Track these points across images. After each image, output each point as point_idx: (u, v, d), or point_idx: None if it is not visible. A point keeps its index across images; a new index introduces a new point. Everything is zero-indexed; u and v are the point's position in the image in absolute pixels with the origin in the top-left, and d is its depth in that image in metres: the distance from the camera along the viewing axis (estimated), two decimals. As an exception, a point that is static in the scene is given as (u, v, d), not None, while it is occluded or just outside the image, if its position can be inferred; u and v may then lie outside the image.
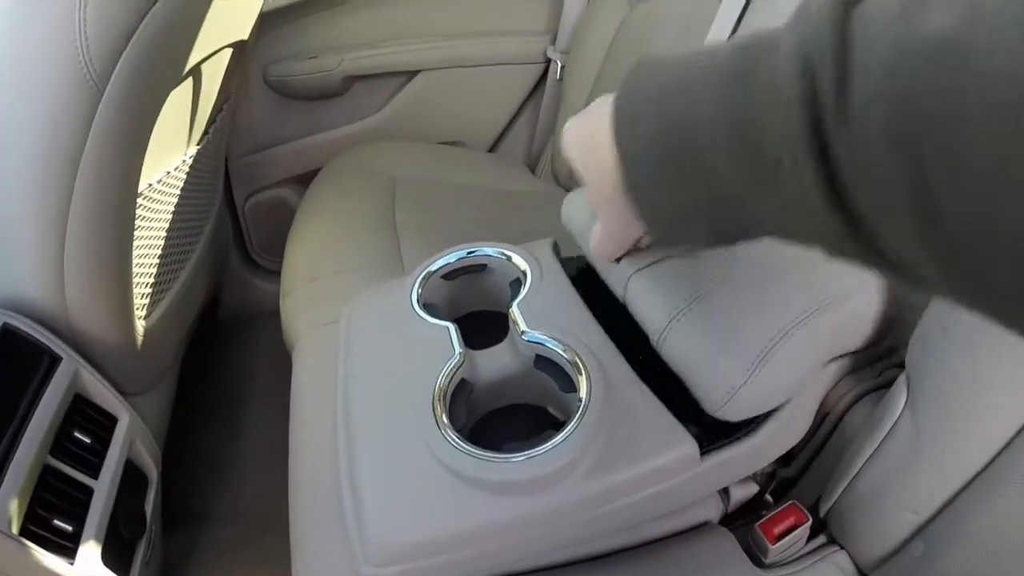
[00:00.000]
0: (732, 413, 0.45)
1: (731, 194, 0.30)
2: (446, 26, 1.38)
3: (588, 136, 0.39)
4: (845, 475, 0.67)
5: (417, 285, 0.58)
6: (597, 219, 0.44)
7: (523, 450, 0.43)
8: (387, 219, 1.00)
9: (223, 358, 1.34)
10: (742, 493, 0.66)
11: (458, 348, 0.51)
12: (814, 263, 0.52)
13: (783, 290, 0.47)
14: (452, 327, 0.53)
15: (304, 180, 1.28)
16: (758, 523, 0.66)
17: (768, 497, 0.71)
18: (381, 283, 0.66)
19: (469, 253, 0.60)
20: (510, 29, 1.42)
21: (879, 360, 0.69)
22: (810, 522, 0.65)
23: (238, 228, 1.42)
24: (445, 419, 0.46)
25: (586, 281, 0.55)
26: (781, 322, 0.45)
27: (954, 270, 0.22)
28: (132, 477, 0.82)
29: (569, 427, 0.44)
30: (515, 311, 0.53)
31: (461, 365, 0.50)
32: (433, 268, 0.59)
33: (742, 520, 0.69)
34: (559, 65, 1.38)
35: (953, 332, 0.52)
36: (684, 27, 1.02)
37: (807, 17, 0.25)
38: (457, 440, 0.44)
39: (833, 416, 0.66)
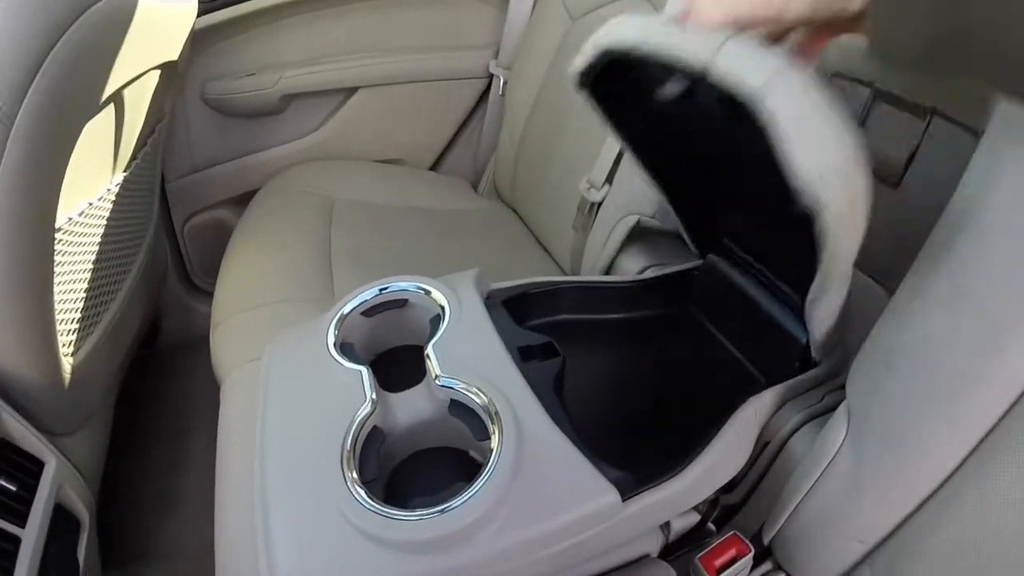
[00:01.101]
0: None
1: None
2: (387, 42, 1.35)
3: None
4: (788, 504, 0.66)
5: (332, 327, 0.56)
6: None
7: (433, 504, 0.41)
8: (322, 245, 0.97)
9: (163, 387, 1.31)
10: (683, 523, 0.65)
11: (370, 394, 0.49)
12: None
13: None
14: (365, 372, 0.51)
15: (244, 201, 1.26)
16: (698, 555, 0.64)
17: (711, 525, 0.70)
18: (305, 320, 0.64)
19: (382, 290, 0.58)
20: (452, 44, 1.40)
21: (820, 384, 0.69)
22: (752, 553, 0.64)
23: (177, 251, 1.38)
24: (353, 474, 0.44)
25: (512, 312, 0.54)
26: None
27: None
28: (62, 522, 0.79)
29: (480, 480, 0.42)
30: (430, 353, 0.51)
31: (372, 413, 0.48)
32: (347, 309, 0.57)
33: (684, 550, 0.68)
34: (502, 80, 1.37)
35: (897, 368, 0.51)
36: None
37: None
38: (364, 498, 0.42)
39: (775, 443, 0.65)
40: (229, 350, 0.80)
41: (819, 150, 0.39)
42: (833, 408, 0.60)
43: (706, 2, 0.40)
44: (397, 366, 0.59)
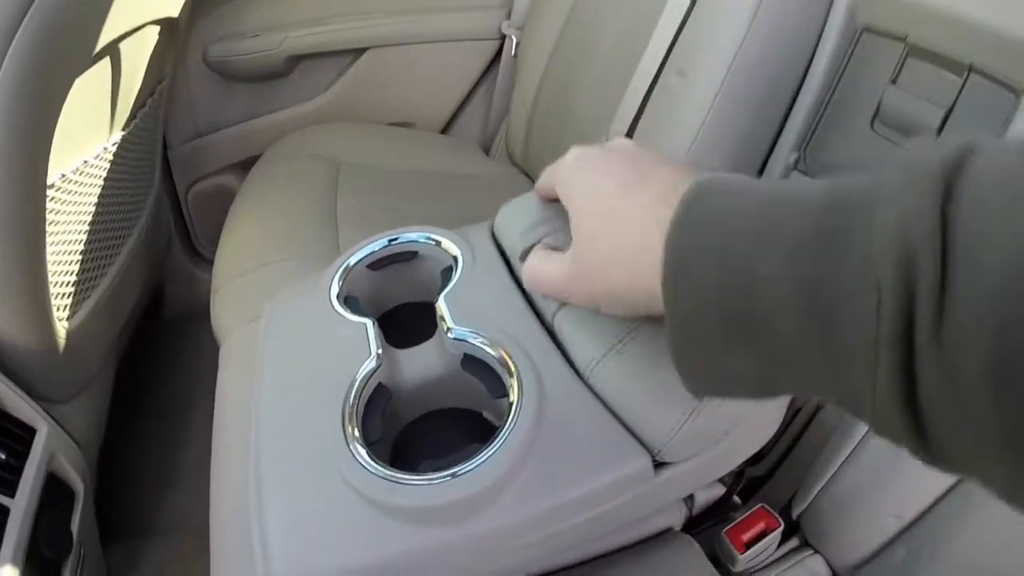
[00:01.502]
0: (676, 453, 0.40)
1: (791, 370, 0.26)
2: (395, 1, 1.30)
3: (615, 216, 0.34)
4: (821, 476, 0.63)
5: (337, 278, 0.51)
6: (563, 259, 0.39)
7: (444, 468, 0.37)
8: (327, 206, 0.93)
9: (167, 358, 1.28)
10: (707, 496, 0.61)
11: (375, 349, 0.44)
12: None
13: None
14: (370, 324, 0.47)
15: (249, 166, 1.21)
16: (725, 529, 0.61)
17: (736, 498, 0.66)
18: (308, 276, 0.60)
19: (391, 241, 0.54)
20: (463, 3, 1.35)
21: None
22: (781, 527, 0.61)
23: (181, 219, 1.35)
24: (356, 433, 0.40)
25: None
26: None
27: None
28: (55, 492, 0.76)
29: (496, 440, 0.38)
30: (441, 304, 0.47)
31: (377, 369, 0.44)
32: (354, 260, 0.52)
33: (708, 523, 0.64)
34: (514, 41, 1.32)
35: None
36: (639, 2, 0.96)
37: (909, 181, 0.21)
38: (366, 459, 0.38)
39: (805, 412, 0.61)
40: (228, 313, 0.77)
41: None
42: None
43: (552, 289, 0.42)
44: (405, 323, 0.55)
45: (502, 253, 0.51)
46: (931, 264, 0.19)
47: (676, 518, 0.58)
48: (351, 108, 1.34)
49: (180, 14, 1.03)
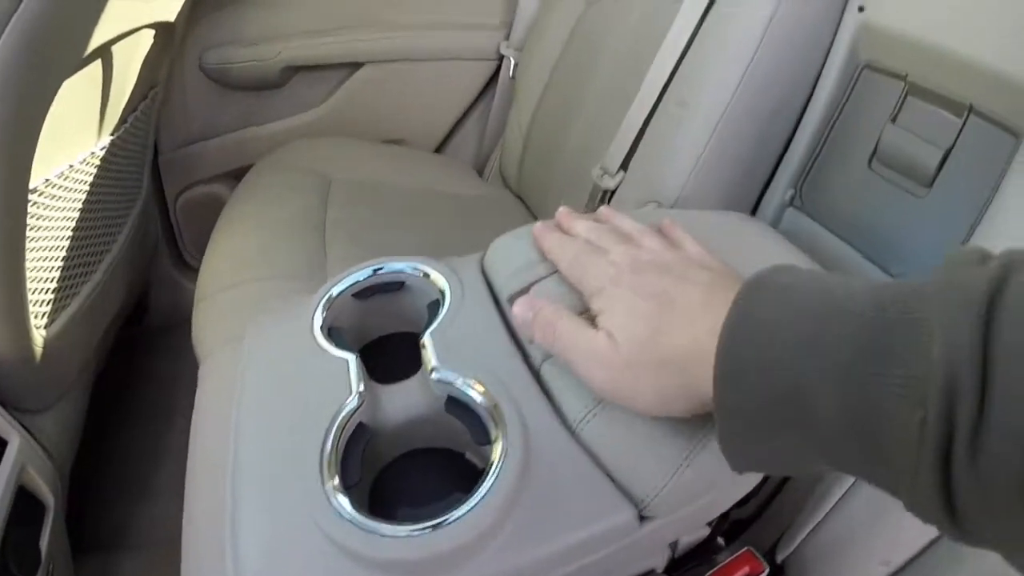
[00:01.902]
0: (662, 507, 0.39)
1: (831, 457, 0.28)
2: (394, 17, 1.30)
3: (658, 319, 0.36)
4: (809, 519, 0.62)
5: (320, 308, 0.50)
6: (602, 342, 0.38)
7: (424, 518, 0.36)
8: (317, 222, 0.92)
9: (149, 368, 1.25)
10: (691, 537, 0.60)
11: (356, 387, 0.43)
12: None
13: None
14: (352, 360, 0.45)
15: (240, 176, 1.18)
16: (709, 572, 0.60)
17: (720, 540, 0.65)
18: (294, 297, 0.59)
19: (376, 271, 0.52)
20: (462, 22, 1.34)
21: None
22: (767, 572, 0.60)
23: (168, 227, 1.33)
24: (334, 481, 0.38)
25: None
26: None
27: None
28: (25, 506, 0.74)
29: (480, 491, 0.36)
30: (427, 342, 0.45)
31: (358, 408, 0.42)
32: (337, 289, 0.51)
33: (691, 565, 0.63)
34: (512, 62, 1.31)
35: None
36: (642, 26, 0.96)
37: (953, 306, 0.23)
38: (344, 507, 0.37)
39: None
40: (210, 328, 0.75)
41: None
42: None
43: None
44: (390, 355, 0.53)
45: (491, 290, 0.50)
46: (971, 393, 0.21)
47: (659, 560, 0.56)
48: (346, 122, 1.32)
49: (177, 19, 1.02)
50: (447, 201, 1.14)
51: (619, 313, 0.38)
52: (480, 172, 1.41)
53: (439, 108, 1.40)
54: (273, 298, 0.75)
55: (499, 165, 1.32)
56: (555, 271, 0.48)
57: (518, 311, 0.43)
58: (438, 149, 1.45)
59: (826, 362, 0.26)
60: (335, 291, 0.51)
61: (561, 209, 0.52)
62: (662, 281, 0.38)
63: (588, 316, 0.41)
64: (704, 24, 0.82)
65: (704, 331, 0.33)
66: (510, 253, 0.51)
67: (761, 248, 0.64)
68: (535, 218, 1.18)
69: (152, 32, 0.97)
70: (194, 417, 0.65)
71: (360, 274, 0.52)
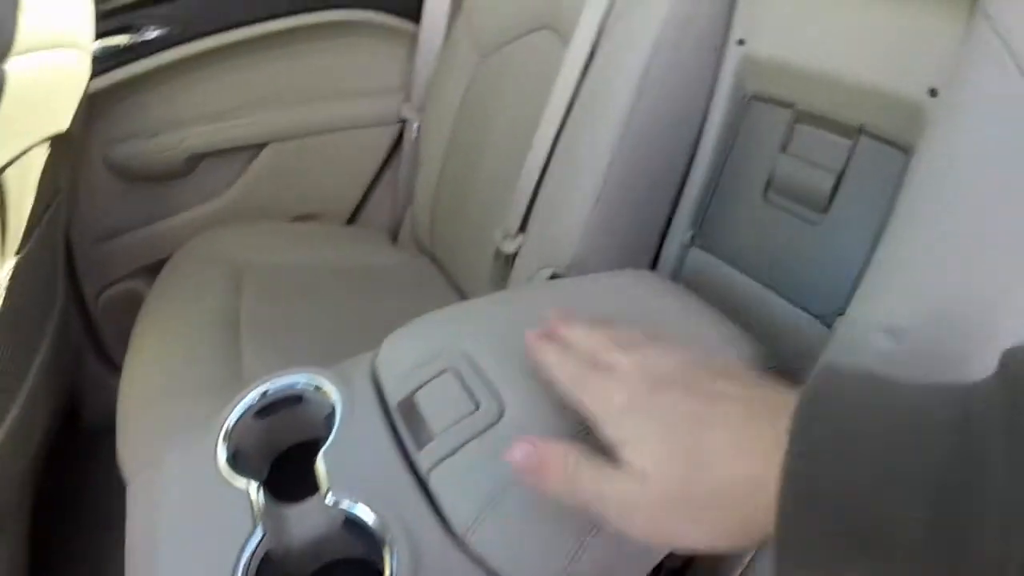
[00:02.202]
0: None
1: None
2: (295, 92, 1.31)
3: (699, 447, 0.32)
4: (737, 565, 0.63)
5: (221, 440, 0.51)
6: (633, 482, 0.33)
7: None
8: (231, 320, 0.92)
9: (86, 474, 1.23)
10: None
11: (259, 519, 0.44)
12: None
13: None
14: (254, 489, 0.47)
15: (158, 269, 1.18)
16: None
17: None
18: (208, 412, 0.59)
19: (264, 393, 0.53)
20: (362, 89, 1.36)
21: None
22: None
23: (91, 327, 1.31)
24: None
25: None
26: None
27: None
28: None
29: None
30: (319, 464, 0.47)
31: (263, 539, 0.44)
32: (232, 420, 0.52)
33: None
34: (415, 124, 1.33)
35: None
36: (530, 82, 0.99)
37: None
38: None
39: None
40: (132, 452, 0.75)
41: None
42: None
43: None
44: (302, 464, 0.54)
45: (382, 396, 0.51)
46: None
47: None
48: (257, 203, 1.33)
49: (71, 126, 1.02)
50: (361, 275, 1.15)
51: (649, 444, 0.33)
52: (395, 238, 1.42)
53: (348, 178, 1.41)
54: (190, 414, 0.75)
55: (412, 230, 1.33)
56: (444, 371, 0.49)
57: (519, 459, 0.38)
58: (352, 219, 1.46)
59: (910, 489, 0.24)
60: (231, 421, 0.52)
61: (553, 312, 0.47)
62: (689, 401, 0.34)
63: (594, 442, 0.37)
64: (585, 78, 0.84)
65: (756, 457, 0.29)
66: (399, 354, 0.53)
67: (660, 304, 0.65)
68: (450, 282, 1.20)
69: (46, 145, 0.96)
70: (127, 546, 0.65)
71: (251, 397, 0.53)
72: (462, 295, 1.15)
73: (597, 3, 0.84)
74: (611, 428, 0.35)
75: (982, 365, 0.40)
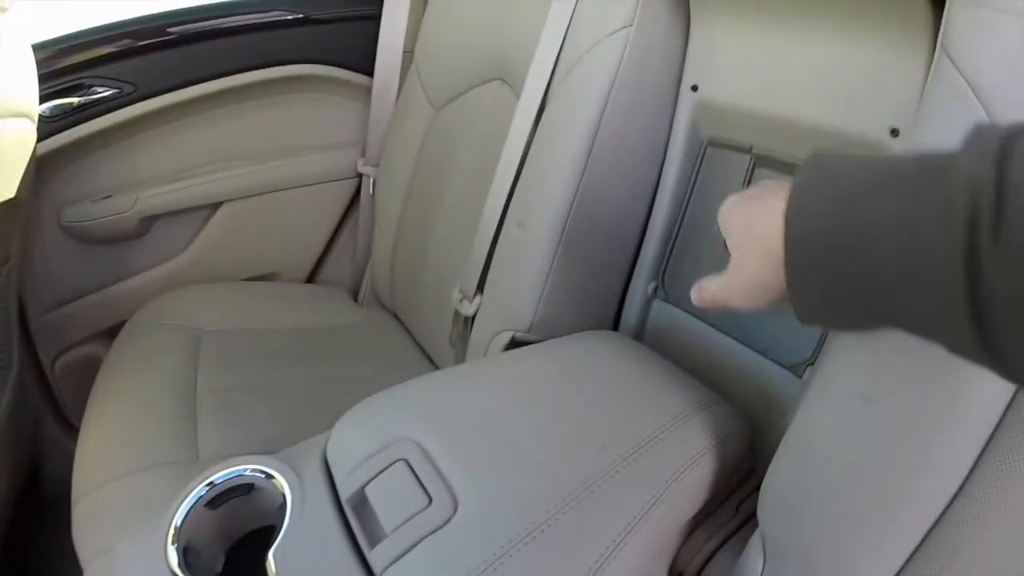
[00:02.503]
0: None
1: (887, 288, 0.33)
2: (249, 149, 1.30)
3: (749, 215, 0.43)
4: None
5: (169, 540, 0.50)
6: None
7: None
8: (187, 390, 0.91)
9: (50, 546, 1.20)
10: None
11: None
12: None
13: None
14: (205, 591, 0.46)
15: (115, 332, 1.16)
16: None
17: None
18: (166, 488, 0.59)
19: (211, 485, 0.53)
20: (318, 144, 1.35)
21: (735, 492, 0.67)
22: None
23: (50, 394, 1.28)
24: None
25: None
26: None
27: None
28: None
29: None
30: (270, 563, 0.46)
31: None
32: (180, 517, 0.51)
33: None
34: (372, 179, 1.33)
35: (811, 493, 0.50)
36: (483, 141, 0.99)
37: (978, 150, 0.29)
38: None
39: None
40: (87, 536, 0.74)
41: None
42: (750, 517, 0.58)
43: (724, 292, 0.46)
44: (258, 554, 0.54)
45: (333, 486, 0.51)
46: (991, 198, 0.27)
47: None
48: (214, 264, 1.31)
49: (19, 193, 1.01)
50: (320, 336, 1.14)
51: (733, 239, 0.44)
52: (355, 295, 1.41)
53: (305, 236, 1.40)
54: (145, 494, 0.74)
55: (372, 286, 1.32)
56: (395, 462, 0.49)
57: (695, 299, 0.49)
58: (311, 277, 1.45)
59: (882, 193, 0.32)
60: (179, 519, 0.51)
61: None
62: (752, 201, 0.43)
63: None
64: (538, 130, 0.83)
65: (780, 213, 0.38)
66: (350, 442, 0.53)
67: (623, 364, 0.66)
68: (412, 339, 1.19)
69: (-8, 212, 0.95)
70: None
71: (199, 491, 0.52)
72: (426, 355, 1.14)
73: (547, 52, 0.84)
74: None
75: (952, 426, 0.42)
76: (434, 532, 0.44)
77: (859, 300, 0.35)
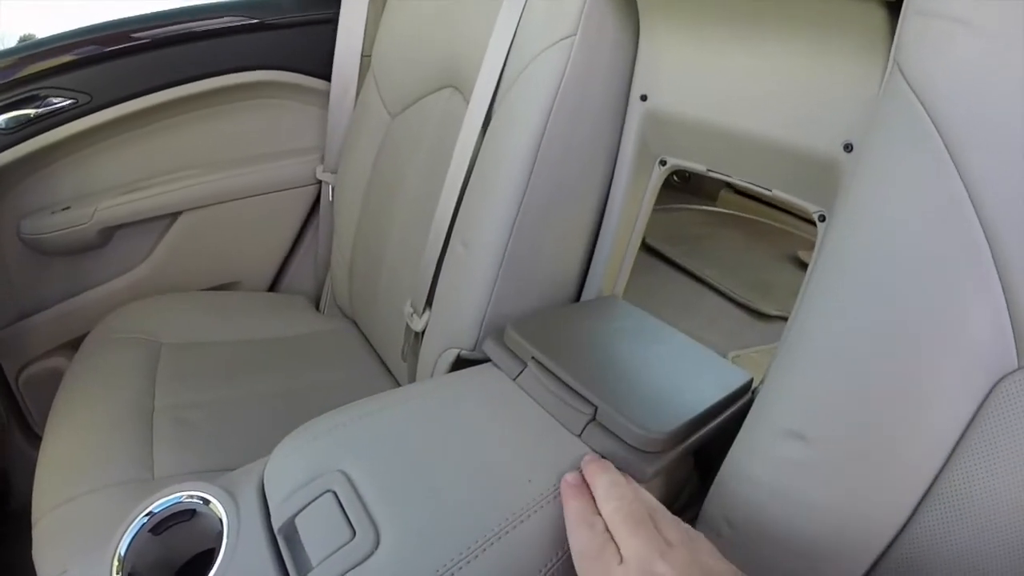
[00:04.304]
0: None
1: None
2: (207, 157, 1.31)
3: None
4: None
5: (114, 569, 0.52)
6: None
7: None
8: (144, 407, 0.92)
9: (20, 561, 1.20)
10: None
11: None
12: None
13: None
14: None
15: (78, 344, 1.17)
16: None
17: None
18: (120, 508, 0.59)
19: (150, 514, 0.54)
20: (276, 151, 1.36)
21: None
22: None
23: (15, 406, 1.29)
24: None
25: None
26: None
27: None
28: None
29: None
30: (204, 592, 0.48)
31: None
32: (124, 547, 0.53)
33: None
34: (330, 186, 1.33)
35: (738, 527, 0.51)
36: (440, 136, 0.99)
37: None
38: None
39: None
40: (45, 557, 0.75)
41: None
42: None
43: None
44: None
45: (268, 516, 0.53)
46: None
47: None
48: (175, 274, 1.32)
49: (-21, 204, 1.01)
50: (279, 347, 1.15)
51: None
52: (317, 303, 1.42)
53: (266, 244, 1.41)
54: (103, 512, 0.75)
55: (332, 294, 1.33)
56: (323, 493, 0.51)
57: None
58: (273, 285, 1.46)
59: None
60: (123, 549, 0.53)
61: (587, 459, 0.56)
62: None
63: None
64: (480, 151, 0.82)
65: None
66: (284, 470, 0.54)
67: None
68: (372, 348, 1.20)
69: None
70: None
71: (140, 520, 0.54)
72: (384, 366, 1.16)
73: (494, 61, 0.83)
74: None
75: (889, 465, 0.42)
76: (356, 567, 0.45)
77: None
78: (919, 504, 0.43)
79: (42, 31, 1.28)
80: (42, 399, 1.28)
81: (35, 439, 1.31)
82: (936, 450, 0.42)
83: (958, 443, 0.41)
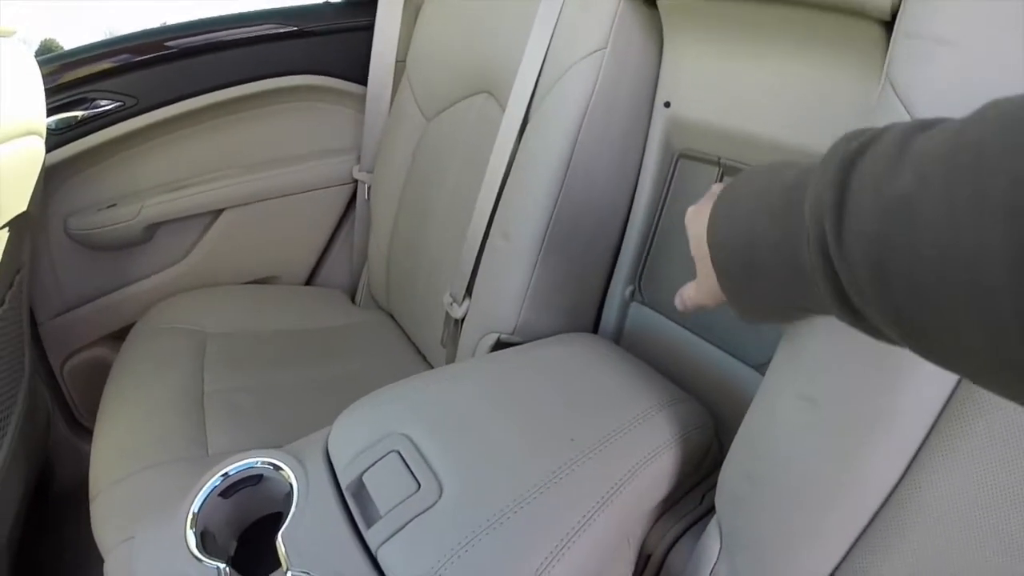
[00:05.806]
0: None
1: (783, 290, 0.39)
2: (248, 157, 1.36)
3: (698, 216, 0.49)
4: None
5: (188, 525, 0.56)
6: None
7: None
8: (195, 391, 0.97)
9: (62, 545, 1.25)
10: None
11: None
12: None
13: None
14: (222, 569, 0.52)
15: (122, 335, 1.22)
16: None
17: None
18: (179, 483, 0.64)
19: (225, 475, 0.59)
20: (314, 151, 1.41)
21: (701, 482, 0.71)
22: None
23: (60, 394, 1.34)
24: None
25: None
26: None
27: (911, 343, 0.30)
28: None
29: None
30: (279, 543, 0.52)
31: (231, 618, 0.49)
32: (197, 505, 0.57)
33: None
34: (366, 185, 1.38)
35: (759, 481, 0.53)
36: (476, 139, 1.04)
37: (823, 172, 0.33)
38: None
39: (656, 559, 0.67)
40: (107, 526, 0.79)
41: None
42: (712, 507, 0.62)
43: (694, 298, 0.53)
44: (267, 537, 0.59)
45: (335, 475, 0.57)
46: (832, 219, 0.31)
47: None
48: (215, 269, 1.37)
49: (31, 204, 1.05)
50: (321, 336, 1.20)
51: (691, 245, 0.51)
52: (353, 297, 1.47)
53: (304, 240, 1.46)
54: (159, 488, 0.80)
55: (368, 288, 1.38)
56: (388, 453, 0.55)
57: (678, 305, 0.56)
58: (310, 280, 1.51)
59: (763, 219, 0.38)
60: (196, 506, 0.57)
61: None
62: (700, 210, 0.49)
63: None
64: (518, 153, 0.88)
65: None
66: (348, 436, 0.58)
67: (598, 364, 0.72)
68: (408, 338, 1.25)
69: (7, 228, 1.00)
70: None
71: (213, 481, 0.58)
72: (420, 354, 1.20)
73: (530, 68, 0.89)
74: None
75: (885, 431, 0.46)
76: (422, 513, 0.50)
77: (772, 299, 0.41)
78: (910, 462, 0.46)
79: (62, 36, 1.35)
80: (85, 388, 1.33)
81: (77, 427, 1.36)
82: (924, 412, 0.45)
83: (944, 406, 0.45)
